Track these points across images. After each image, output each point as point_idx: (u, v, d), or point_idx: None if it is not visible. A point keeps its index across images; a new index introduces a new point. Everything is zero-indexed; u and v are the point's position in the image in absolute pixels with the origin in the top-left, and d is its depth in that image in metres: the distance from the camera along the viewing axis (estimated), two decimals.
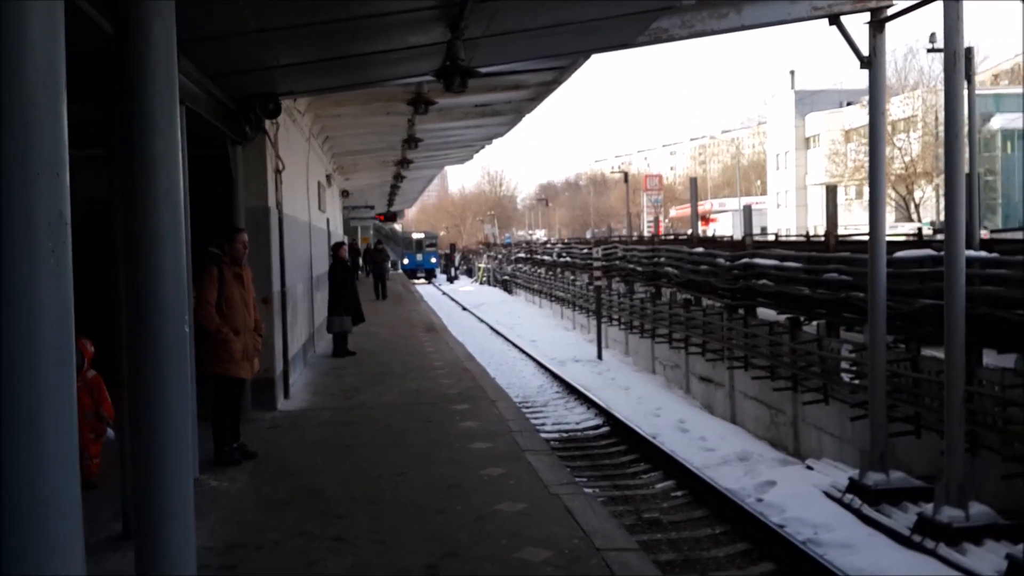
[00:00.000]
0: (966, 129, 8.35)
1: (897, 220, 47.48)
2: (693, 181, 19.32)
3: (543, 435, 9.89)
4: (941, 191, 49.49)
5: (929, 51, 24.95)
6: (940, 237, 10.70)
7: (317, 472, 6.84)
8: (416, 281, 49.13)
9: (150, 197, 2.96)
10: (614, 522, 5.61)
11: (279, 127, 10.00)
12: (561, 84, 12.58)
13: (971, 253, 8.28)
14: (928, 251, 9.68)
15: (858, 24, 9.11)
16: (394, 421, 8.76)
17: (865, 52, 8.91)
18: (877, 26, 8.82)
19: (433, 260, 57.00)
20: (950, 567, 7.04)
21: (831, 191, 12.62)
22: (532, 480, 6.32)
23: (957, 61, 7.91)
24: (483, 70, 7.99)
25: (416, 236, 57.32)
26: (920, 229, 14.27)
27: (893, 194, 50.37)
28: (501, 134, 17.52)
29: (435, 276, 57.42)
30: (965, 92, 8.23)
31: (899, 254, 10.01)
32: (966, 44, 8.35)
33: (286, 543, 5.23)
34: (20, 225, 1.49)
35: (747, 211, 15.29)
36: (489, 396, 9.87)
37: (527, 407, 14.11)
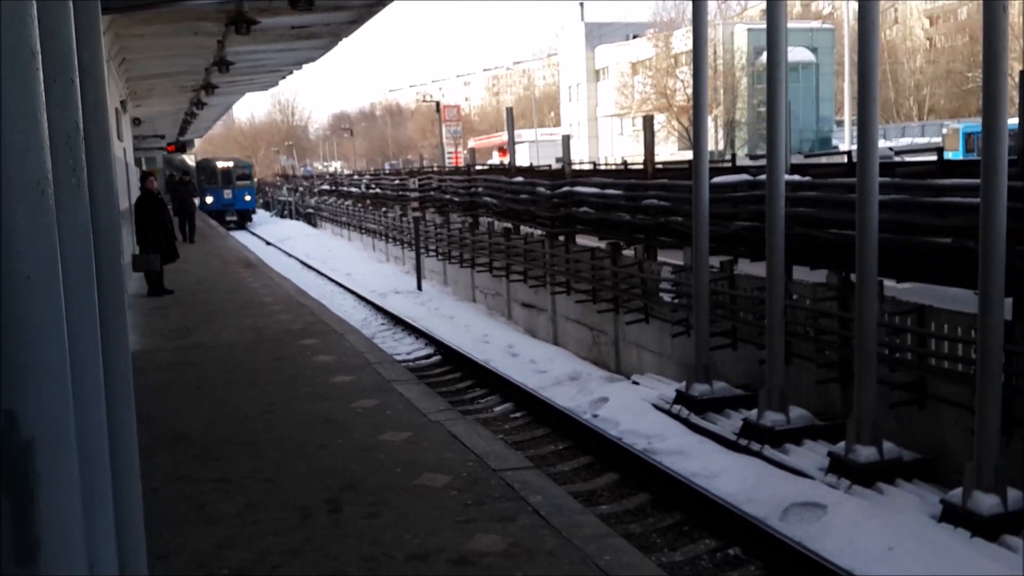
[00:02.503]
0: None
1: (680, 148, 50.48)
2: (509, 111, 19.53)
3: None
4: (720, 121, 53.20)
5: None
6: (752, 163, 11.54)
7: (175, 415, 6.49)
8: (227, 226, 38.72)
9: None
10: (502, 444, 5.78)
11: None
12: (386, 6, 12.21)
13: (786, 177, 8.96)
14: (744, 176, 10.37)
15: None
16: (242, 359, 8.42)
17: None
18: None
19: (248, 197, 43.06)
20: (775, 466, 7.70)
21: (647, 121, 13.17)
22: (409, 409, 6.34)
23: None
24: None
25: (222, 165, 42.66)
26: (734, 155, 15.27)
27: (677, 124, 53.42)
28: (314, 59, 16.79)
29: (250, 219, 43.89)
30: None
31: (716, 179, 10.56)
32: None
33: (166, 488, 4.97)
34: None
35: (566, 141, 15.70)
36: (336, 330, 9.69)
37: None
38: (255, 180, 49.55)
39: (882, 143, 37.58)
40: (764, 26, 8.80)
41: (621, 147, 57.81)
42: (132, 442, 2.27)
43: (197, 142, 51.62)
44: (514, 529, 4.20)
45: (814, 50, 53.70)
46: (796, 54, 51.79)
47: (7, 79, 1.08)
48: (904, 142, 39.69)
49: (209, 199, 40.86)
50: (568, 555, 3.90)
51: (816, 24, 59.62)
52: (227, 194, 41.43)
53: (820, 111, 54.25)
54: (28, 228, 1.12)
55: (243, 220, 42.52)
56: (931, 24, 76.55)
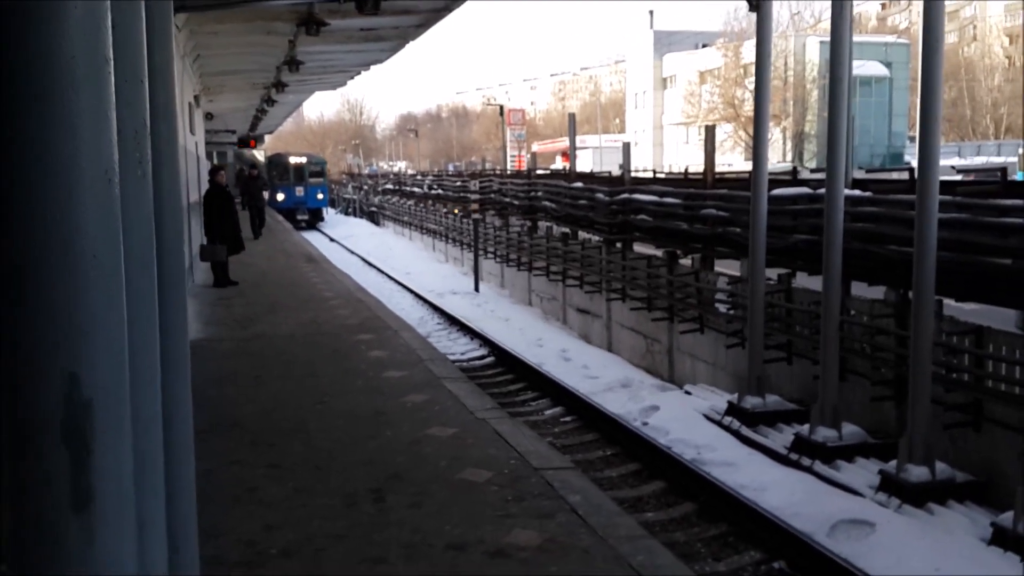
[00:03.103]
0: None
1: (747, 159, 49.90)
2: (571, 117, 19.62)
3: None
4: (788, 133, 52.48)
5: None
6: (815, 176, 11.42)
7: (233, 403, 6.74)
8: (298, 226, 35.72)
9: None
10: (545, 444, 5.88)
11: None
12: (452, 11, 12.41)
13: (846, 192, 8.88)
14: (804, 189, 10.29)
15: None
16: (299, 351, 8.68)
17: None
18: None
19: (320, 196, 40.15)
20: (825, 482, 7.62)
21: (709, 131, 13.16)
22: (456, 406, 6.48)
23: (843, 8, 8.41)
24: None
25: (295, 160, 39.66)
26: (795, 168, 15.11)
27: (744, 135, 52.78)
28: (381, 60, 17.10)
29: (323, 219, 40.96)
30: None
31: (776, 191, 10.51)
32: None
33: (220, 471, 5.18)
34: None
35: (626, 148, 15.74)
36: (392, 327, 9.90)
37: None
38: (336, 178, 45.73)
39: (955, 160, 36.64)
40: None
41: (686, 156, 57.35)
42: (187, 420, 2.42)
43: (267, 138, 52.30)
44: (551, 526, 4.29)
45: (888, 64, 52.59)
46: (869, 68, 50.78)
47: (82, 83, 1.22)
48: (979, 160, 38.62)
49: (280, 196, 38.27)
50: (602, 553, 3.98)
51: (891, 39, 58.36)
52: (299, 191, 38.79)
53: (892, 126, 53.09)
54: (95, 213, 1.26)
55: (314, 220, 39.87)
56: (1010, 43, 74.28)
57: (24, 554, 1.28)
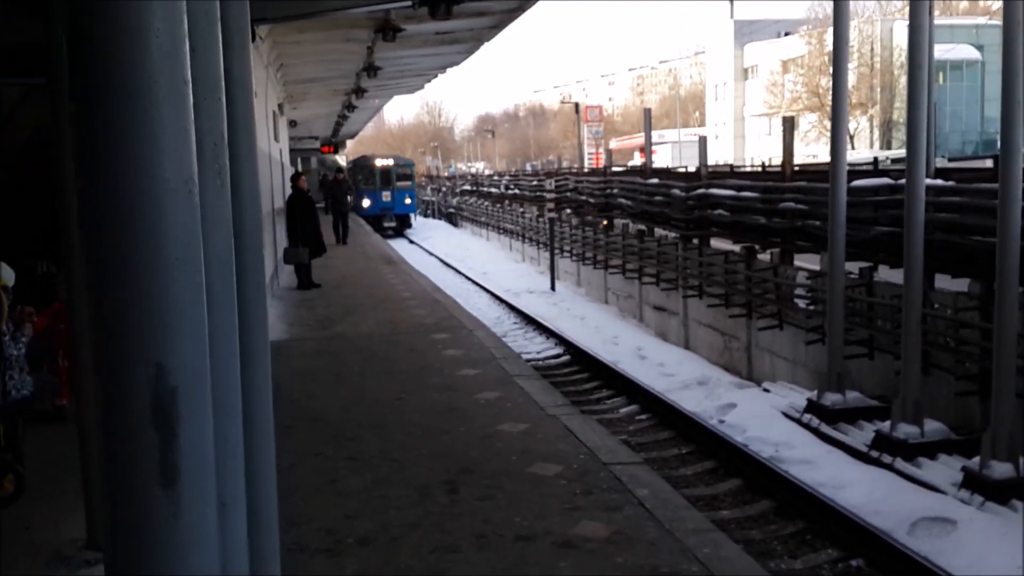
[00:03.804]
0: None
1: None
2: (647, 112, 19.52)
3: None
4: (876, 122, 51.00)
5: None
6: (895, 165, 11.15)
7: (315, 399, 7.02)
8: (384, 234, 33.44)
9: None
10: (615, 439, 5.95)
11: None
12: (525, 11, 12.55)
13: (928, 181, 8.64)
14: (885, 180, 10.05)
15: None
16: (377, 350, 8.95)
17: None
18: None
19: (408, 200, 37.39)
20: (907, 480, 7.48)
21: (788, 122, 12.93)
22: (528, 403, 6.61)
23: None
24: None
25: (381, 163, 37.00)
26: (876, 158, 14.73)
27: (829, 125, 51.47)
28: (457, 63, 17.38)
29: (410, 225, 38.51)
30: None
31: (856, 183, 10.26)
32: None
33: (303, 464, 5.42)
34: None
35: (702, 142, 15.58)
36: (467, 326, 10.10)
37: None
38: (416, 181, 43.12)
39: None
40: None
41: (768, 148, 56.26)
42: (267, 412, 2.58)
43: (349, 143, 53.35)
44: (618, 518, 4.37)
45: (980, 47, 50.53)
46: (960, 51, 48.88)
47: (164, 102, 1.39)
48: None
49: (365, 202, 35.65)
50: (668, 546, 4.04)
51: (983, 20, 56.02)
52: (385, 196, 36.16)
53: (986, 111, 50.99)
54: (177, 219, 1.42)
55: (402, 227, 37.22)
56: None
57: (116, 525, 1.45)
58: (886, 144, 50.40)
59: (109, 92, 1.36)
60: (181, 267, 1.42)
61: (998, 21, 53.95)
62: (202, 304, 1.50)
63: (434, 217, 50.57)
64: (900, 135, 50.85)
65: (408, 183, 37.28)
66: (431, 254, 30.16)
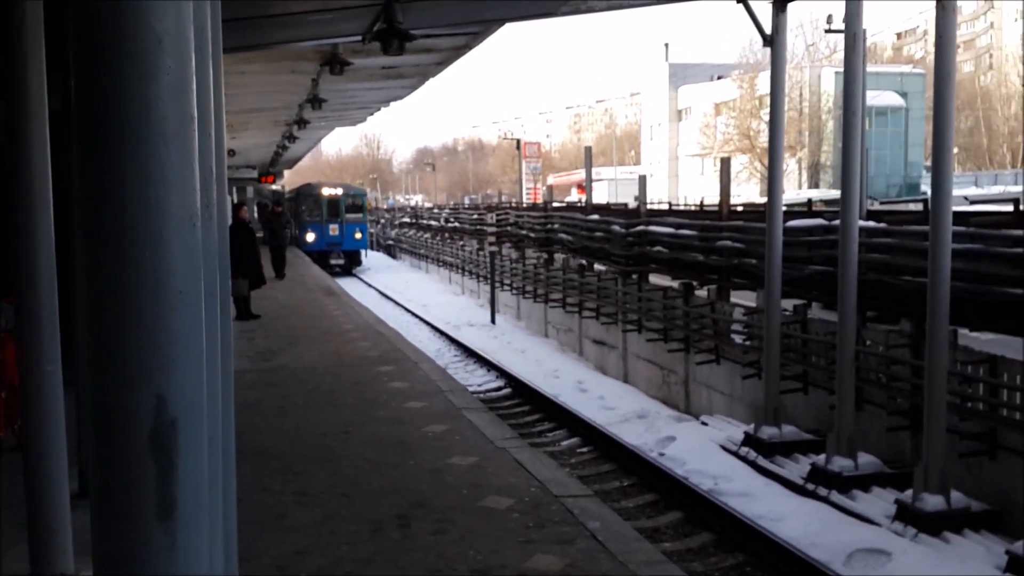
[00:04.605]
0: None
1: (763, 191, 50.03)
2: (588, 150, 19.87)
3: None
4: (804, 164, 52.65)
5: (827, 31, 26.75)
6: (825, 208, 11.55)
7: (259, 432, 6.90)
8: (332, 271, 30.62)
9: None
10: (564, 472, 6.00)
11: None
12: (472, 49, 12.70)
13: (861, 223, 8.98)
14: (819, 220, 10.42)
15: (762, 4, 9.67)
16: (321, 382, 8.85)
17: (768, 30, 9.46)
18: (780, 5, 9.35)
19: (359, 235, 33.41)
20: (842, 512, 7.66)
21: (724, 163, 13.34)
22: (476, 435, 6.62)
23: (856, 42, 8.58)
24: (416, 32, 8.07)
25: (328, 192, 33.16)
26: (810, 199, 15.26)
27: (759, 166, 52.99)
28: (402, 97, 17.43)
29: (359, 263, 34.95)
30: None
31: (791, 223, 10.59)
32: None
33: (249, 498, 5.31)
34: None
35: (642, 181, 15.92)
36: (411, 358, 10.07)
37: None
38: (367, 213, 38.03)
39: (972, 190, 36.64)
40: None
41: (701, 187, 57.59)
42: (231, 442, 2.58)
43: (286, 173, 52.79)
44: (572, 551, 4.40)
45: (904, 95, 52.82)
46: (885, 98, 50.95)
47: (172, 139, 1.42)
48: (996, 190, 38.56)
49: (310, 236, 32.31)
50: None
51: (907, 68, 58.63)
52: (333, 230, 32.36)
53: (909, 156, 53.20)
54: (182, 253, 1.44)
55: (351, 265, 33.80)
56: None
57: (112, 556, 1.44)
58: (814, 185, 52.08)
59: (119, 129, 1.39)
60: (184, 299, 1.44)
61: (922, 70, 56.65)
62: (202, 336, 1.52)
63: (373, 249, 50.34)
64: (828, 177, 52.67)
65: (359, 215, 33.70)
66: (371, 286, 29.97)
